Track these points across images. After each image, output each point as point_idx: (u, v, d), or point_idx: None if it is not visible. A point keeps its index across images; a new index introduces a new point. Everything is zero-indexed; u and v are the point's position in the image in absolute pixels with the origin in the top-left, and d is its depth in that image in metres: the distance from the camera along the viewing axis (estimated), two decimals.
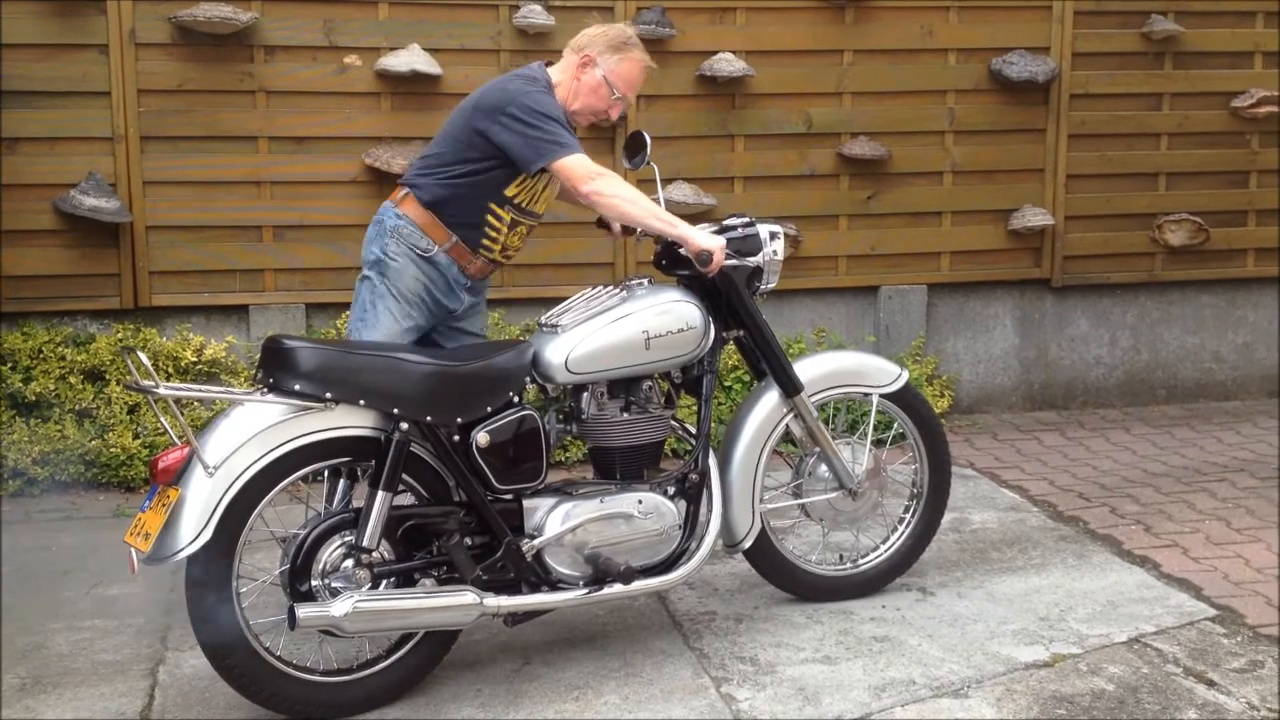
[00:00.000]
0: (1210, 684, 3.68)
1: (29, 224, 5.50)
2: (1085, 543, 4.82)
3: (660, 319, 3.79)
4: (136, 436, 5.38)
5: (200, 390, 3.99)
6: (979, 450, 6.08)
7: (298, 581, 3.40)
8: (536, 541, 3.60)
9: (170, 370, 5.50)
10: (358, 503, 3.50)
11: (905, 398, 4.25)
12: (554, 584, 3.64)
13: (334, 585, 3.39)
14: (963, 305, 6.65)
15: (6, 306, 5.51)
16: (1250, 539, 4.82)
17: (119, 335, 5.53)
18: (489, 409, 3.55)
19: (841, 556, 4.34)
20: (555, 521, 3.62)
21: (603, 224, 4.23)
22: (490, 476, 3.55)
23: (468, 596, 3.47)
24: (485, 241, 3.88)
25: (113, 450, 5.32)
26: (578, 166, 3.70)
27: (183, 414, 3.35)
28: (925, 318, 6.51)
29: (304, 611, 3.31)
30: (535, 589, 3.62)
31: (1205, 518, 5.08)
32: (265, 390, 3.40)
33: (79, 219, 5.47)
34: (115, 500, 5.29)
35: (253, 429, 3.31)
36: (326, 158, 5.78)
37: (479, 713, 3.53)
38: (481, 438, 3.52)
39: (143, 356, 3.24)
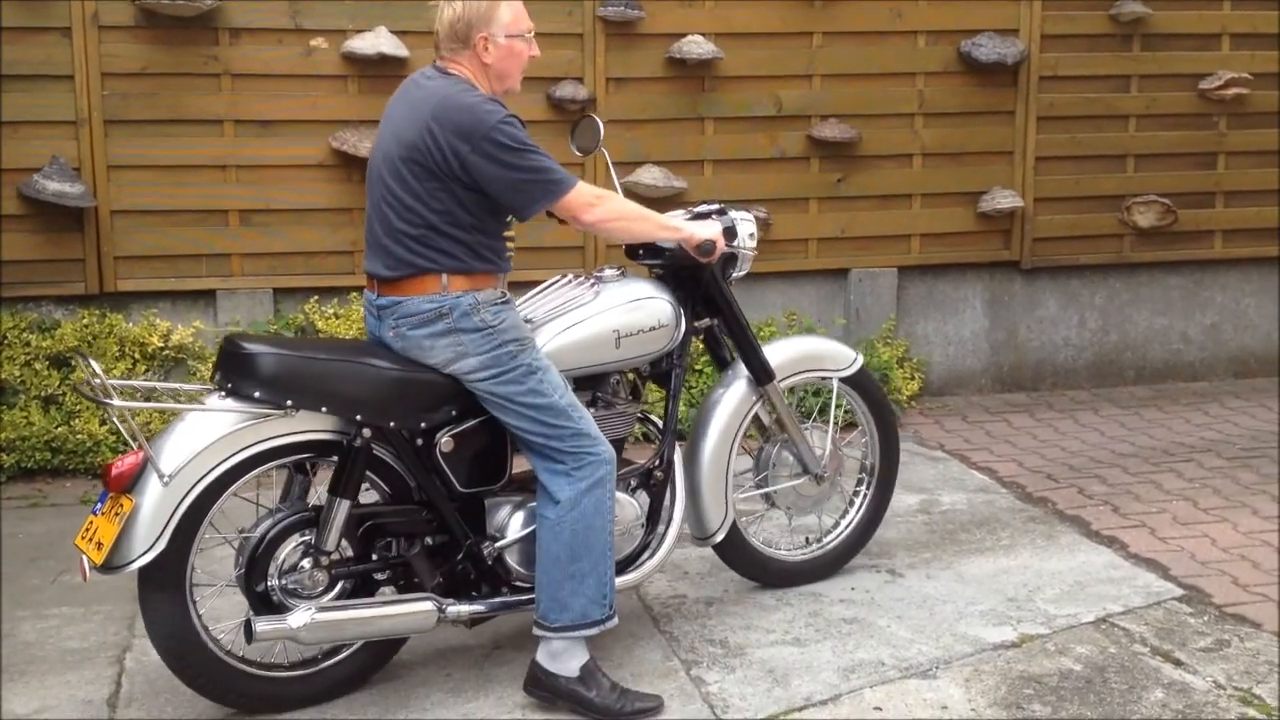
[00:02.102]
0: (1177, 663, 3.71)
1: None
2: (1053, 524, 4.85)
3: (631, 316, 3.69)
4: (103, 423, 5.33)
5: (154, 403, 3.69)
6: (949, 432, 6.10)
7: (253, 580, 3.33)
8: (498, 544, 3.54)
9: (137, 356, 5.47)
10: (317, 491, 3.44)
11: (860, 380, 4.28)
12: (514, 585, 3.58)
13: (290, 586, 3.33)
14: (932, 288, 6.66)
15: None
16: (1217, 519, 4.86)
17: (85, 321, 5.48)
18: (453, 413, 3.45)
19: (808, 540, 4.34)
20: (517, 523, 3.56)
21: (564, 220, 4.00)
22: (453, 479, 3.48)
23: (427, 604, 3.42)
24: (508, 254, 3.54)
25: (79, 437, 5.28)
26: (581, 196, 3.40)
27: (135, 417, 3.26)
28: (895, 300, 6.52)
29: (262, 626, 3.26)
30: (496, 590, 3.57)
31: (1172, 498, 5.11)
32: (223, 394, 3.30)
33: (43, 204, 5.41)
34: (82, 487, 5.24)
35: (209, 437, 3.22)
36: (293, 141, 5.73)
37: (449, 698, 3.52)
38: (445, 442, 3.44)
39: (95, 364, 3.15)
